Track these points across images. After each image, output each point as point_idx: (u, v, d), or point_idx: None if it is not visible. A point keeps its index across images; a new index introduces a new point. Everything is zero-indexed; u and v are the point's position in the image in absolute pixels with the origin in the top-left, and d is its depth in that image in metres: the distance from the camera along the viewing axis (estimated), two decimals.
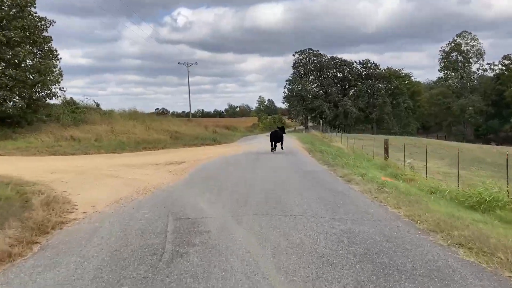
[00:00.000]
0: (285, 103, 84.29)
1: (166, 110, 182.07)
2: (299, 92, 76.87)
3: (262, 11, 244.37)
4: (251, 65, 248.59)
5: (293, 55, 79.85)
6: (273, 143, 21.32)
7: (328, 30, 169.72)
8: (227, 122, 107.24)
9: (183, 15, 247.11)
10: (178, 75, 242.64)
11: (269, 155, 19.51)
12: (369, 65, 78.90)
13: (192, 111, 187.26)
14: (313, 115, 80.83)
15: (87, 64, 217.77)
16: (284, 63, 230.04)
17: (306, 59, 79.72)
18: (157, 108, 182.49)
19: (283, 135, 22.16)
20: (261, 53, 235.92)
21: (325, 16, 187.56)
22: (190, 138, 31.66)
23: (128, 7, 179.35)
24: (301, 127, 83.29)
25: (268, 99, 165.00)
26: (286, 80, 79.08)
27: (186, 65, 54.88)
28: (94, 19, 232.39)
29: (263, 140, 36.11)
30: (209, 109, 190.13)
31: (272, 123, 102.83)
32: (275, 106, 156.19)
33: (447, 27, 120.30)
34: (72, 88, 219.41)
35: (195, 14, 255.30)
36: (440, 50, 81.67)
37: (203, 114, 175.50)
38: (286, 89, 78.71)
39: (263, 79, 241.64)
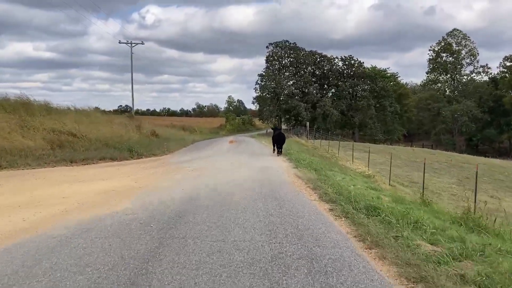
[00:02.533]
0: (256, 104, 70.57)
1: (130, 108, 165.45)
2: (273, 90, 63.26)
3: (232, 12, 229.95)
4: (220, 66, 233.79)
5: (267, 47, 66.20)
6: (276, 145, 18.65)
7: (297, 34, 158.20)
8: (191, 121, 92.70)
9: (152, 12, 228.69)
10: (146, 73, 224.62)
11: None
12: (352, 62, 66.29)
13: (158, 110, 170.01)
14: (287, 116, 67.58)
15: (52, 58, 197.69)
16: (253, 65, 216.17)
17: (281, 52, 66.25)
18: (120, 105, 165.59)
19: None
20: (231, 54, 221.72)
21: (294, 21, 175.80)
22: (90, 146, 17.29)
23: (94, 2, 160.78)
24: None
25: (238, 100, 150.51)
26: (259, 75, 65.24)
27: (130, 44, 40.17)
28: (59, 12, 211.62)
29: (224, 150, 21.86)
30: (178, 108, 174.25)
31: (241, 125, 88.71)
32: (244, 107, 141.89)
33: (413, 37, 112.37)
34: (35, 83, 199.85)
35: (164, 12, 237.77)
36: (429, 49, 70.17)
37: (169, 113, 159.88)
38: (258, 85, 64.88)
39: (232, 80, 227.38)
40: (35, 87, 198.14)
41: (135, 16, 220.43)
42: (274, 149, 18.71)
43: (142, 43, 41.20)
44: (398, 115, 65.63)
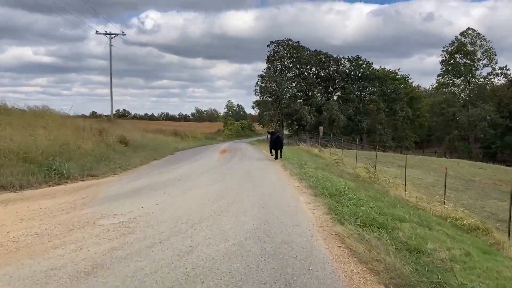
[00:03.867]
0: (255, 108, 63.70)
1: (128, 112, 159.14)
2: (274, 92, 56.56)
3: (231, 18, 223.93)
4: (220, 71, 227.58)
5: (268, 45, 59.51)
6: (273, 151, 17.56)
7: (296, 39, 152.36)
8: (189, 126, 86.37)
9: (151, 17, 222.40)
10: (145, 78, 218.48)
11: None
12: (360, 62, 59.68)
13: (156, 114, 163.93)
14: (289, 121, 60.93)
15: (51, 63, 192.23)
16: (253, 71, 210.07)
17: (283, 51, 59.63)
18: (118, 110, 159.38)
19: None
20: (230, 60, 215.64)
21: (293, 26, 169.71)
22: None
23: (93, 7, 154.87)
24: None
25: (238, 104, 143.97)
26: (259, 76, 58.50)
27: (108, 35, 33.47)
28: (58, 17, 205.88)
29: (210, 165, 14.24)
30: (178, 113, 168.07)
31: (240, 130, 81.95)
32: (244, 112, 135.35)
33: (411, 43, 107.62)
34: (34, 87, 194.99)
35: (164, 17, 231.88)
36: (442, 50, 63.56)
37: (168, 117, 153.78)
38: (257, 87, 58.10)
39: (231, 86, 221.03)
40: (34, 92, 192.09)
41: (135, 21, 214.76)
42: (271, 154, 17.67)
43: (123, 34, 34.54)
44: (409, 120, 58.90)
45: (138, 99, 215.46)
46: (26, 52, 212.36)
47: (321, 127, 23.88)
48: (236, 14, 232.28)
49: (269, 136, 18.63)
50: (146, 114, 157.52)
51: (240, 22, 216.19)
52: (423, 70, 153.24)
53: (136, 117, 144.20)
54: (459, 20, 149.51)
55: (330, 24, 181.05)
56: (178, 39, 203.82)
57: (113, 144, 19.00)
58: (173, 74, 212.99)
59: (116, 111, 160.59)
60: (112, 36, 33.44)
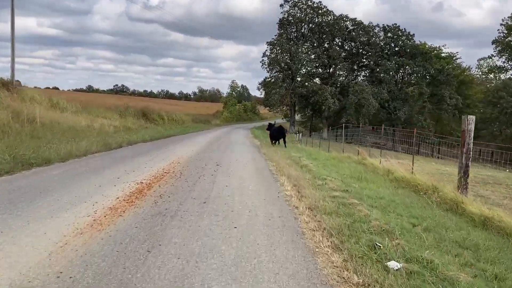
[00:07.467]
0: (261, 89, 47.97)
1: (127, 88, 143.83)
2: (287, 66, 41.23)
3: None
4: (226, 52, 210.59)
5: (281, 5, 43.86)
6: (274, 140, 17.17)
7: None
8: (188, 106, 71.19)
9: None
10: (151, 55, 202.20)
11: None
12: (399, 33, 44.04)
13: (155, 91, 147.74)
14: (301, 105, 45.86)
15: (56, 35, 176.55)
16: (259, 53, 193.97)
17: (300, 14, 43.98)
18: (116, 85, 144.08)
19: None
20: (236, 41, 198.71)
21: None
22: None
23: None
24: (282, 121, 48.24)
25: (242, 85, 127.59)
26: (267, 43, 42.85)
27: None
28: None
29: None
30: (179, 92, 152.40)
31: (242, 112, 66.79)
32: (249, 94, 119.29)
33: (420, 32, 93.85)
34: (38, 59, 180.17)
35: None
36: (501, 24, 47.54)
37: (168, 95, 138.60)
38: (265, 58, 42.66)
39: (237, 67, 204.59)
40: (39, 64, 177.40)
41: None
42: (272, 143, 16.94)
43: None
44: (457, 110, 43.71)
45: (144, 77, 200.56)
46: (30, 23, 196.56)
47: (473, 117, 8.14)
48: None
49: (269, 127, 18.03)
50: (145, 91, 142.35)
51: (247, 2, 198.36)
52: None
53: (134, 94, 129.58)
54: (469, 10, 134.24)
55: (338, 9, 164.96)
56: (183, 17, 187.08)
57: None
58: (178, 52, 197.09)
59: (114, 86, 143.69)
60: None
